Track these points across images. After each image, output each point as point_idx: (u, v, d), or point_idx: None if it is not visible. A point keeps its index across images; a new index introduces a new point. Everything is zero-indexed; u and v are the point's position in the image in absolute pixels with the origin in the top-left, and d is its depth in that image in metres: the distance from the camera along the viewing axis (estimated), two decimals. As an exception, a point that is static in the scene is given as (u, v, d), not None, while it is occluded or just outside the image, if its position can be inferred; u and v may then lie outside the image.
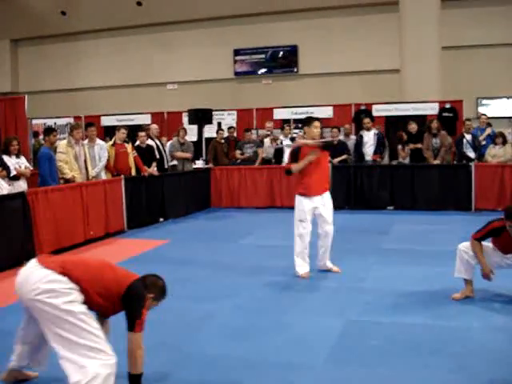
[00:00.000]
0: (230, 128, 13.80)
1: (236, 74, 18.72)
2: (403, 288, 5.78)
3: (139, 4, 18.08)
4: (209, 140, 13.32)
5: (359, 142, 11.90)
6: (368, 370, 3.81)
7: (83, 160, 9.42)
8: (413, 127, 11.79)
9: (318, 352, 4.11)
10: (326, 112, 14.93)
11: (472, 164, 11.09)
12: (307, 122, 6.46)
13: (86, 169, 9.43)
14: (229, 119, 15.31)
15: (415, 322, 4.74)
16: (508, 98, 16.18)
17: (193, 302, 5.42)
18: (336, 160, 11.72)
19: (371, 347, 4.20)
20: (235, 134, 13.66)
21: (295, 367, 3.86)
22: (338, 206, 11.33)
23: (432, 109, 13.89)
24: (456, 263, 5.31)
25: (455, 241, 5.53)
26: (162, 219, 10.65)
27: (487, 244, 5.26)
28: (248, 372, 3.80)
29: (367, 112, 13.88)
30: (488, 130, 11.89)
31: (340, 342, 4.32)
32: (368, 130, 11.85)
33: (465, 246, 5.26)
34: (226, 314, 5.07)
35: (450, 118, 13.61)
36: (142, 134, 10.89)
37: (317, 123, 6.33)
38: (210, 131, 13.96)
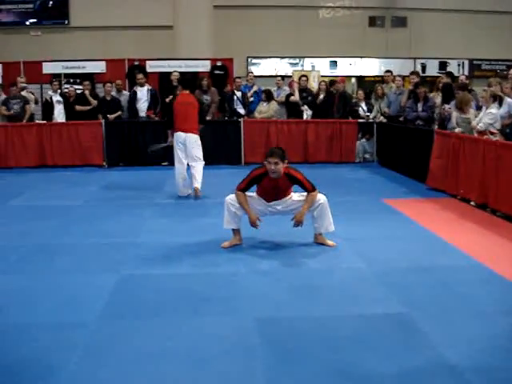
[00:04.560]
0: None
1: (1, 24, 17.19)
2: (176, 240, 5.95)
3: None
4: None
5: (133, 98, 11.78)
6: (142, 322, 3.88)
7: None
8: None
9: (90, 310, 4.07)
10: (99, 67, 14.56)
11: (241, 120, 11.65)
12: None
13: None
14: (-7, 72, 14.12)
15: (187, 272, 4.93)
16: (277, 57, 17.15)
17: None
18: (112, 117, 11.58)
19: (145, 300, 4.28)
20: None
21: (67, 326, 3.79)
22: (112, 163, 11.34)
23: (204, 66, 14.26)
24: (224, 215, 5.60)
25: (224, 193, 5.80)
26: None
27: (252, 194, 5.63)
28: (19, 335, 3.66)
29: (141, 68, 13.78)
30: (255, 88, 12.50)
31: (113, 297, 4.34)
32: (141, 85, 11.78)
33: (231, 198, 5.55)
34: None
35: (221, 75, 14.09)
36: None
37: None
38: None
